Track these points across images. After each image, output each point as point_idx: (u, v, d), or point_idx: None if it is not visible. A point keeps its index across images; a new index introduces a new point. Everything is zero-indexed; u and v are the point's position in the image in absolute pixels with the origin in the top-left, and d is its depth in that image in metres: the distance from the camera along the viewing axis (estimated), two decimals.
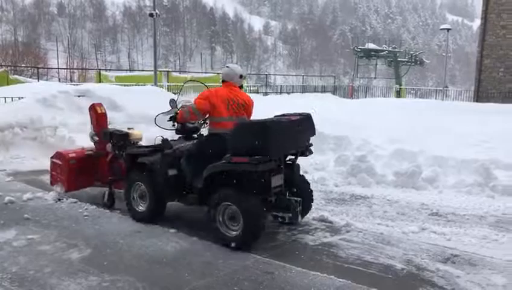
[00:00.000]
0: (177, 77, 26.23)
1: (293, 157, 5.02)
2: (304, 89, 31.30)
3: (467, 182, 6.73)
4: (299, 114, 5.00)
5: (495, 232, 5.09)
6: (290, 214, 4.77)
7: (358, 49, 37.60)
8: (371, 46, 38.46)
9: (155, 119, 5.44)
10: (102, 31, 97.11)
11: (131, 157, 5.41)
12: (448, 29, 30.56)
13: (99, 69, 28.22)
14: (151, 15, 18.34)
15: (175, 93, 19.42)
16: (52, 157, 6.26)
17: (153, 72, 19.28)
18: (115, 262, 4.15)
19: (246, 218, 4.33)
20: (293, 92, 28.53)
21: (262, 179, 4.42)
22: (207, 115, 5.18)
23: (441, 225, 5.33)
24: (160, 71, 25.39)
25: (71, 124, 9.62)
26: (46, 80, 31.18)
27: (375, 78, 43.10)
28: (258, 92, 27.78)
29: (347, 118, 9.93)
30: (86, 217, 5.44)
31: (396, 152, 7.73)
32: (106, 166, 6.05)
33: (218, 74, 32.20)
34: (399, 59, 37.52)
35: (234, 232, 4.47)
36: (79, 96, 10.72)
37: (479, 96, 24.96)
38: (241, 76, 5.23)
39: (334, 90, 32.82)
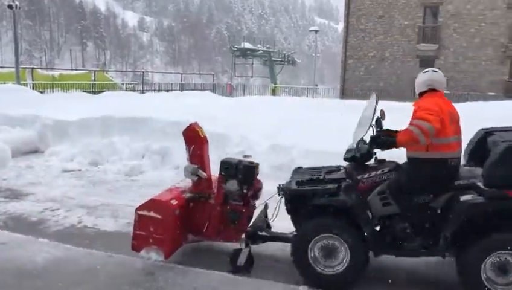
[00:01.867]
0: (44, 75, 24.20)
1: None
2: (183, 87, 31.10)
3: None
4: None
5: None
6: None
7: (235, 48, 38.52)
8: (247, 45, 39.66)
9: (358, 140, 3.89)
10: None
11: (296, 198, 3.90)
12: (316, 31, 32.79)
13: None
14: (10, 7, 16.70)
15: (42, 92, 17.91)
16: (140, 209, 4.07)
17: (14, 69, 17.58)
18: None
19: None
20: (172, 90, 28.18)
21: None
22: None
23: None
24: (24, 68, 23.21)
25: None
26: None
27: (252, 76, 44.53)
28: (134, 90, 26.92)
29: (226, 115, 10.13)
30: None
31: (272, 147, 8.10)
32: (217, 213, 4.19)
33: (90, 70, 30.49)
34: (273, 58, 39.26)
35: None
36: None
37: (344, 93, 27.29)
38: None
39: (213, 89, 33.17)
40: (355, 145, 3.91)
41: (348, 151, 4.04)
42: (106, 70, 42.17)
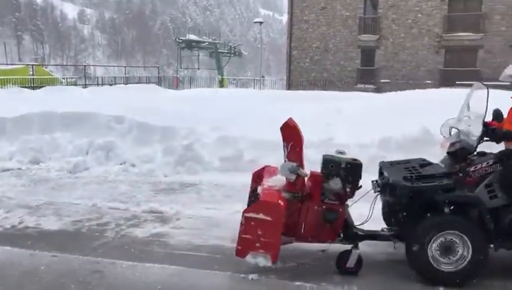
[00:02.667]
0: None
1: None
2: (127, 81, 30.30)
3: None
4: None
5: None
6: None
7: (180, 40, 37.98)
8: (192, 37, 39.22)
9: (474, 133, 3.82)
10: None
11: (410, 195, 3.70)
12: (261, 23, 32.92)
13: None
14: None
15: None
16: (248, 211, 3.70)
17: None
18: None
19: None
20: (115, 84, 27.39)
21: None
22: None
23: None
24: None
25: None
26: None
27: (198, 68, 44.12)
28: (76, 84, 25.95)
29: (173, 108, 10.02)
30: None
31: (220, 139, 8.11)
32: (314, 213, 3.91)
33: (27, 65, 29.00)
34: (219, 50, 39.09)
35: None
36: None
37: (291, 84, 27.68)
38: None
39: (159, 81, 32.56)
40: (459, 138, 3.94)
41: (452, 144, 4.03)
42: (45, 65, 40.33)
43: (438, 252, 3.64)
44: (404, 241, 3.80)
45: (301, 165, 3.98)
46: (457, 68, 24.48)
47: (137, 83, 28.54)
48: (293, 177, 3.92)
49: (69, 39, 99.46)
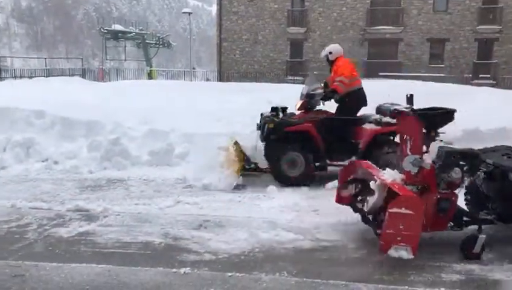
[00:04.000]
0: None
1: None
2: (48, 73, 28.61)
3: None
4: None
5: (238, 194, 5.81)
6: None
7: (105, 30, 36.46)
8: (118, 27, 37.75)
9: None
10: None
11: None
12: (190, 13, 32.39)
13: None
14: None
15: None
16: (392, 207, 3.80)
17: None
18: None
19: None
20: (35, 76, 25.78)
21: None
22: None
23: (194, 195, 5.77)
24: None
25: None
26: None
27: (125, 60, 42.60)
28: None
29: (98, 102, 9.63)
30: None
31: (149, 132, 7.92)
32: (433, 203, 4.05)
33: None
34: (147, 41, 38.01)
35: None
36: None
37: (222, 76, 27.60)
38: None
39: (83, 74, 31.09)
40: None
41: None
42: None
43: None
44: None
45: (421, 157, 4.11)
46: (380, 60, 25.70)
47: (59, 76, 27.05)
48: (415, 169, 4.08)
49: None
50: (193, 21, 39.50)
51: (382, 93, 7.35)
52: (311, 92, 6.67)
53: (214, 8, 50.72)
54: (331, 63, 6.90)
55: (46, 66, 31.09)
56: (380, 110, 5.87)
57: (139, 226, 4.71)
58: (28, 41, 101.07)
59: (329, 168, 6.58)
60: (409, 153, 4.16)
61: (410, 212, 3.77)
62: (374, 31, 25.76)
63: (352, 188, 4.71)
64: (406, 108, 4.99)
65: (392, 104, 5.67)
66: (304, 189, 6.07)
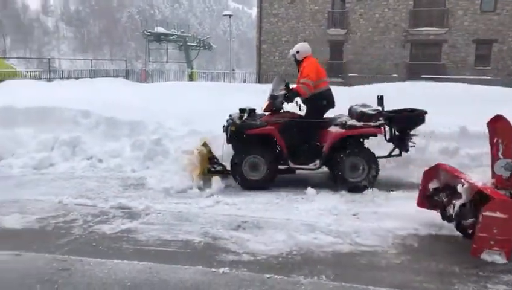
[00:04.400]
0: None
1: None
2: (94, 74, 29.60)
3: None
4: None
5: (276, 196, 5.81)
6: None
7: (148, 33, 37.34)
8: (160, 30, 38.59)
9: None
10: None
11: None
12: (230, 16, 32.74)
13: None
14: None
15: None
16: (486, 210, 3.80)
17: None
18: None
19: None
20: (82, 77, 26.73)
21: None
22: None
23: (233, 196, 5.81)
24: None
25: None
26: None
27: (167, 62, 43.51)
28: (40, 78, 25.19)
29: (141, 102, 9.86)
30: None
31: (189, 133, 8.03)
32: None
33: None
34: (188, 43, 38.64)
35: None
36: None
37: (261, 78, 27.68)
38: None
39: (127, 75, 31.97)
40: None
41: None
42: (6, 58, 38.93)
43: None
44: None
45: None
46: (423, 62, 25.05)
47: (104, 77, 27.91)
48: (507, 173, 4.10)
49: (31, 32, 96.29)
50: (233, 23, 39.85)
51: (414, 94, 7.18)
52: (275, 94, 6.42)
53: (254, 11, 51.04)
54: (299, 62, 6.64)
55: (91, 67, 32.21)
56: (349, 111, 6.21)
57: (179, 224, 4.79)
58: (75, 43, 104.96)
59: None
60: (501, 157, 4.14)
61: (505, 216, 3.74)
62: (417, 32, 25.16)
63: (434, 192, 4.63)
64: (374, 110, 5.29)
65: (363, 105, 6.15)
66: (343, 193, 6.00)
